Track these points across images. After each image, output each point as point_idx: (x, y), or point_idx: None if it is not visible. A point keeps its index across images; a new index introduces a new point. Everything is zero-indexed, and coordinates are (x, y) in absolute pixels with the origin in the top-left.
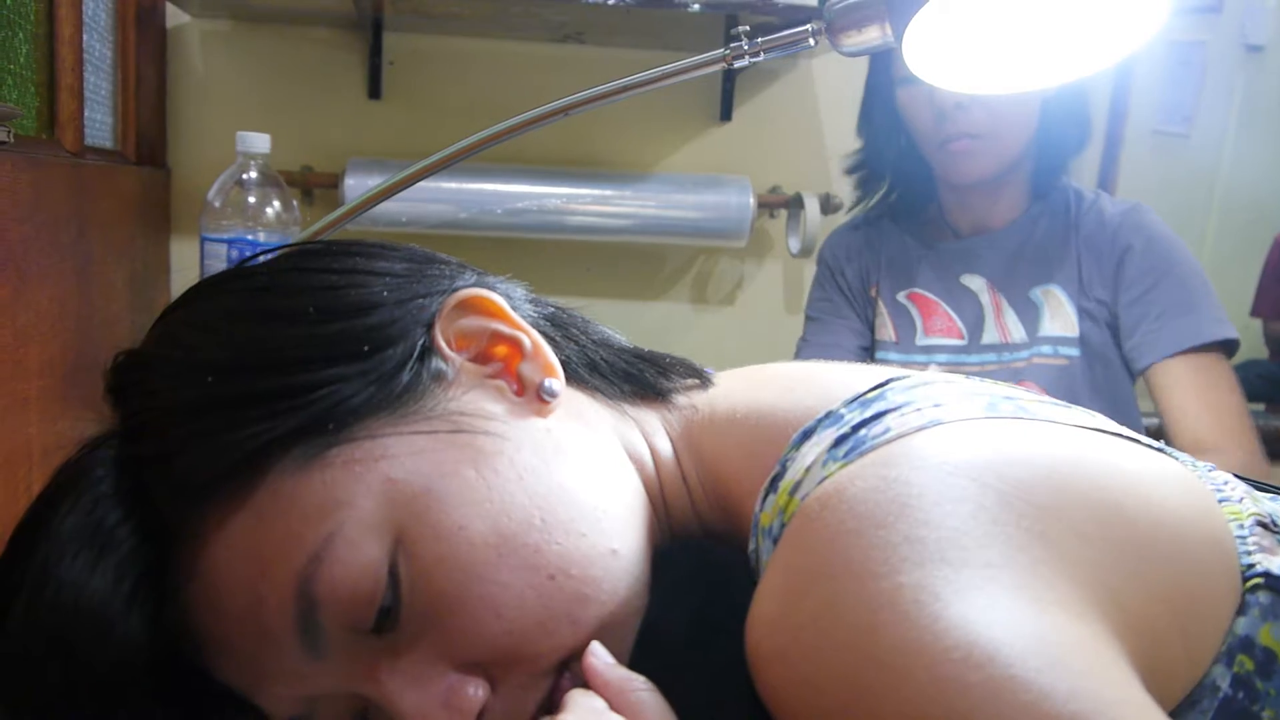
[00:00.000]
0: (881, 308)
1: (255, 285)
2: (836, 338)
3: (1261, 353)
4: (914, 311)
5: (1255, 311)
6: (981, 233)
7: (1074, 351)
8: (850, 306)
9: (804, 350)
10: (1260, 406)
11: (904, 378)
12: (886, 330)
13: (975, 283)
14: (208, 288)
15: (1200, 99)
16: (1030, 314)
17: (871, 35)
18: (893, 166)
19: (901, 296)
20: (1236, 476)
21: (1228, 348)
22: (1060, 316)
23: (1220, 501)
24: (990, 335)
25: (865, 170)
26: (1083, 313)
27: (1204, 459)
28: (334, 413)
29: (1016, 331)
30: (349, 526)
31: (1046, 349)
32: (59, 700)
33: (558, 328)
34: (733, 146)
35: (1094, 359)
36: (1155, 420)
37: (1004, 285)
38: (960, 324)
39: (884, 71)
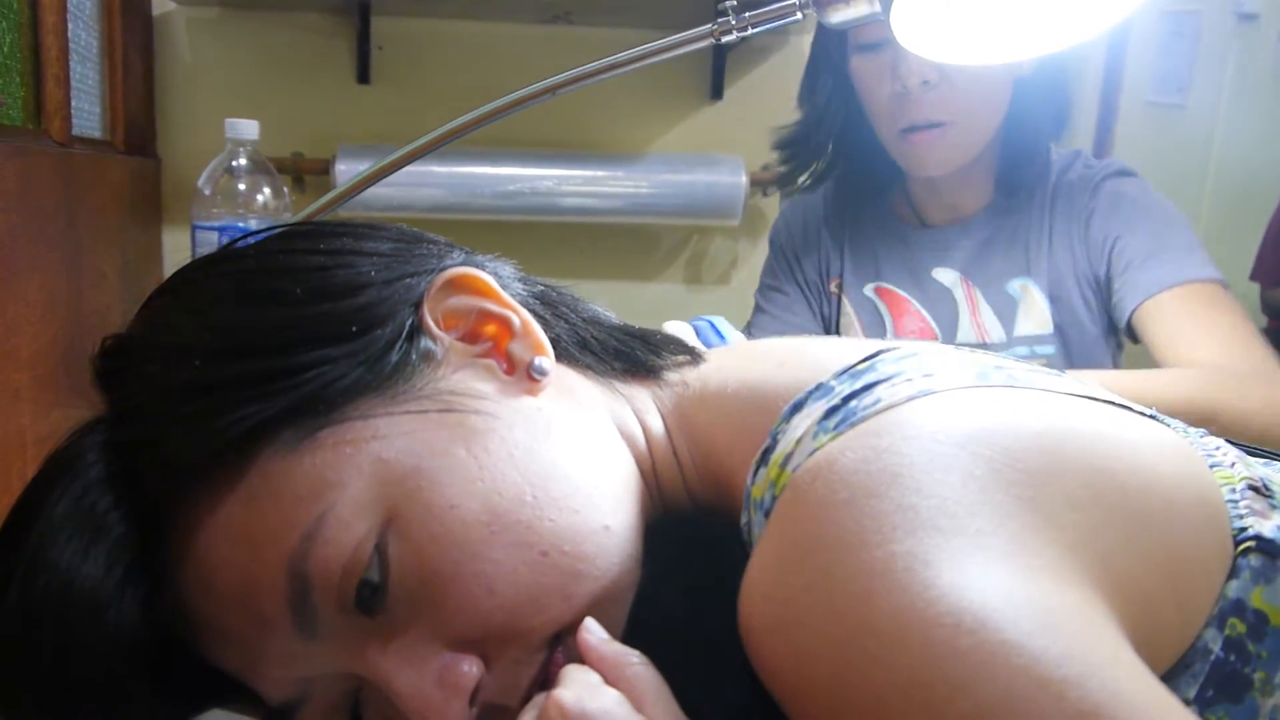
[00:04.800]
0: (846, 305)
1: (243, 267)
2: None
3: (1259, 320)
4: (882, 308)
5: (1254, 276)
6: (953, 221)
7: (1050, 349)
8: (806, 304)
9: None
10: None
11: (894, 349)
12: (853, 329)
13: (948, 277)
14: (195, 270)
15: (1194, 69)
16: (1008, 310)
17: (859, 6)
18: (841, 146)
19: (868, 290)
20: (1229, 442)
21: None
22: (1035, 314)
23: (1212, 466)
24: (966, 334)
25: (802, 147)
26: (1055, 301)
27: (1221, 383)
28: (323, 394)
29: (994, 330)
30: (340, 507)
31: (1023, 350)
32: (52, 687)
33: (547, 306)
34: (724, 125)
35: (1071, 350)
36: None
37: (978, 278)
38: (933, 323)
39: (836, 36)
